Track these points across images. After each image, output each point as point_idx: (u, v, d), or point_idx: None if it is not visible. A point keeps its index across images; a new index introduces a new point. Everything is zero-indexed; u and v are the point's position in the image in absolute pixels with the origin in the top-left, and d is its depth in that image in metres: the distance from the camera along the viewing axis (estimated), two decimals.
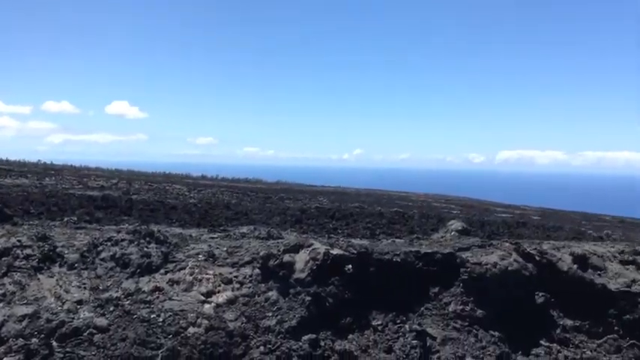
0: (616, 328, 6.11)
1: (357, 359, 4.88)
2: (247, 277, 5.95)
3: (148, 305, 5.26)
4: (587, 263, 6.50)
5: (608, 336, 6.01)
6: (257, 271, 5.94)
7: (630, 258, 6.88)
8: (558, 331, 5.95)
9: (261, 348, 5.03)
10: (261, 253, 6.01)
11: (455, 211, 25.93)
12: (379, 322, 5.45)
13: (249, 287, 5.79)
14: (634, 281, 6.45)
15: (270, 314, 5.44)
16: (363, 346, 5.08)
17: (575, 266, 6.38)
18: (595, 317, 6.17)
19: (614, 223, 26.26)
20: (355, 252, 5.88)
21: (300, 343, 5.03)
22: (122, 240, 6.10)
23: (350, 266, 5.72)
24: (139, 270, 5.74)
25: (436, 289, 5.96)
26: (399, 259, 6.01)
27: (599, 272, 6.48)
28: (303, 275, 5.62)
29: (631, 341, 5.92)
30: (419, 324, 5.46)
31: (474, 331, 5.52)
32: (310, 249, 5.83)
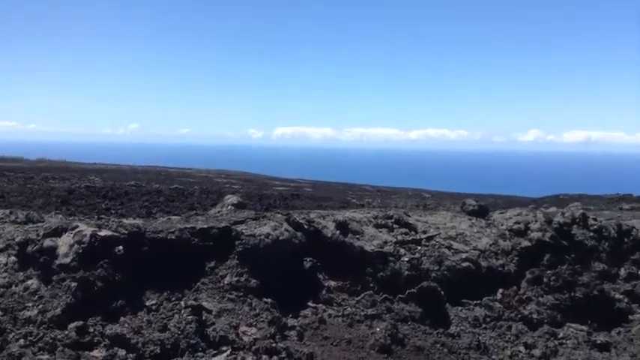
0: (372, 285, 6.88)
1: (130, 341, 4.73)
2: (2, 265, 5.37)
3: None
4: (347, 228, 7.22)
5: (365, 292, 6.74)
6: (13, 258, 5.39)
7: (383, 222, 7.82)
8: (324, 292, 6.52)
9: (21, 341, 4.59)
10: (17, 239, 5.45)
11: (236, 186, 26.51)
12: (153, 302, 5.35)
13: (5, 277, 5.25)
14: (385, 242, 7.36)
15: (31, 304, 4.99)
16: (135, 328, 4.94)
17: (337, 232, 7.05)
18: (355, 277, 6.89)
19: (374, 193, 29.62)
20: (126, 232, 5.65)
21: (67, 332, 4.71)
22: None
23: (120, 247, 5.48)
24: None
25: (212, 264, 6.05)
26: (173, 237, 5.95)
27: (357, 236, 7.25)
28: (67, 260, 5.23)
29: (384, 295, 6.73)
30: (194, 299, 5.50)
31: (249, 300, 5.76)
32: (75, 232, 5.43)
